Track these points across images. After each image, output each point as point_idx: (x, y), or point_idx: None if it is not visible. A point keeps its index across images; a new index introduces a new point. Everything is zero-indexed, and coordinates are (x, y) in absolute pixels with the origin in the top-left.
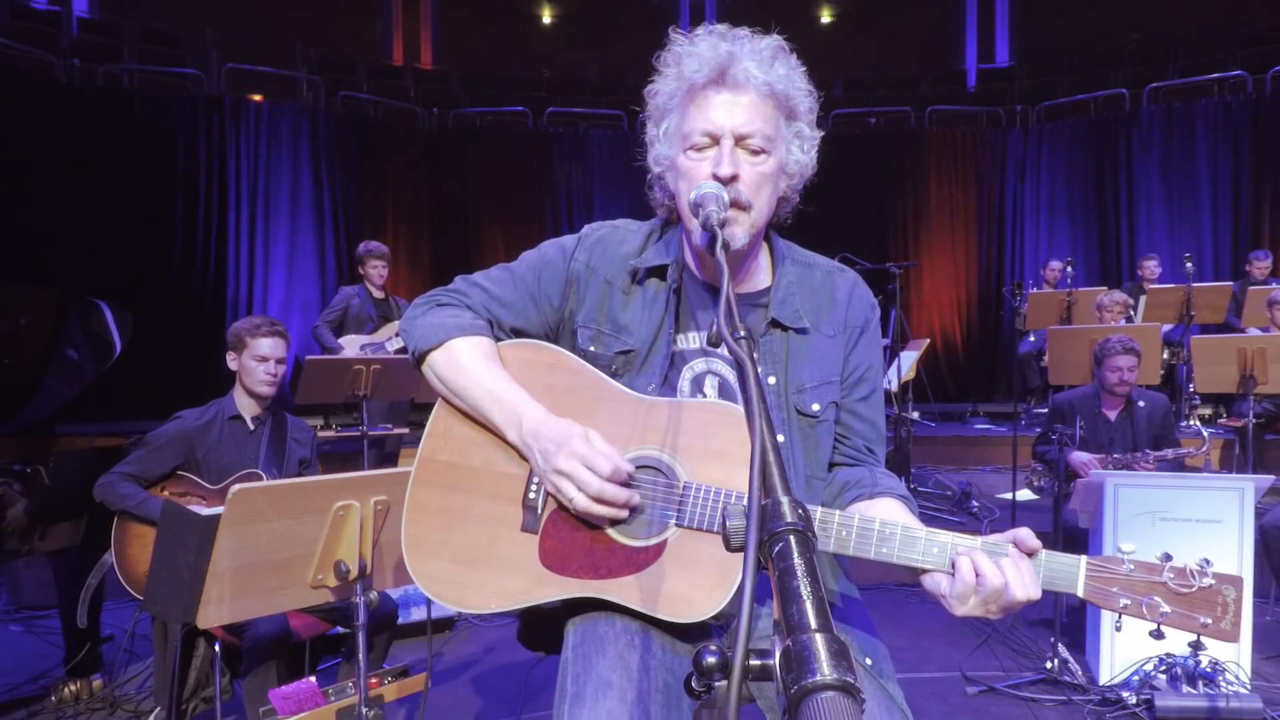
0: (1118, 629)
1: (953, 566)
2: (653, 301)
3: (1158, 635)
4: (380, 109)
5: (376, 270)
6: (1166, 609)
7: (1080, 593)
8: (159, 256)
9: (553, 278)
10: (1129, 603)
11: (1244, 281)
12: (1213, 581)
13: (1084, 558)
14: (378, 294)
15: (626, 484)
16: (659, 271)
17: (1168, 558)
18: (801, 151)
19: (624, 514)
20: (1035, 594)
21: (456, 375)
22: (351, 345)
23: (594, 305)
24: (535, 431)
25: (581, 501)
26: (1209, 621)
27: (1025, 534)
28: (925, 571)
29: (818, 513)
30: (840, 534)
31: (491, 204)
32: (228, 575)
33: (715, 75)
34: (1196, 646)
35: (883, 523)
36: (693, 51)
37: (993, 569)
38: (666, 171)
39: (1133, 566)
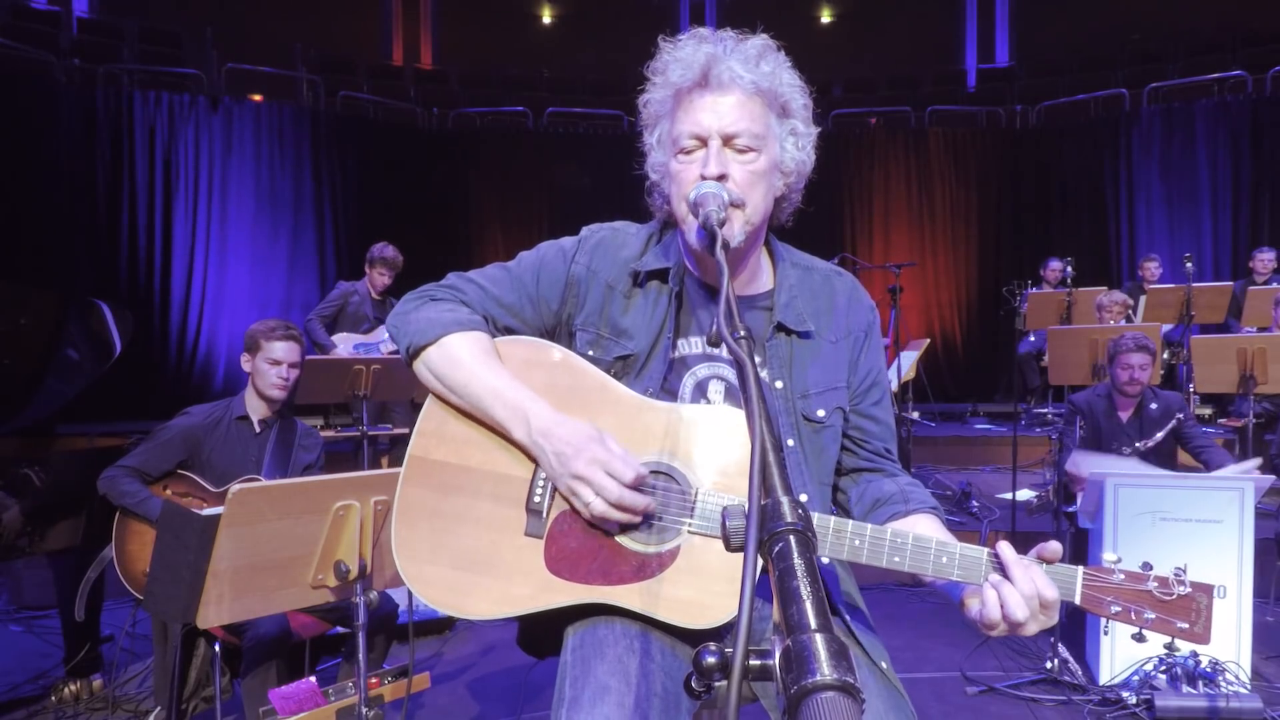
0: (1105, 633)
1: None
2: (654, 305)
3: (1139, 639)
4: (380, 109)
5: (382, 278)
6: (1151, 615)
7: (1077, 600)
8: (160, 256)
9: (552, 280)
10: (1120, 609)
11: (1246, 281)
12: (1189, 590)
13: (1081, 568)
14: (377, 296)
15: (643, 490)
16: (660, 275)
17: (1148, 566)
18: (797, 149)
19: (639, 519)
20: (1054, 591)
21: (455, 371)
22: (344, 344)
23: (594, 309)
24: (547, 431)
25: (599, 507)
26: (1186, 626)
27: (1051, 545)
28: (963, 605)
29: (831, 522)
30: (854, 544)
31: (491, 204)
32: (228, 575)
33: (699, 78)
34: (1169, 648)
35: (894, 532)
36: (677, 56)
37: (1019, 578)
38: (662, 178)
39: (1123, 576)
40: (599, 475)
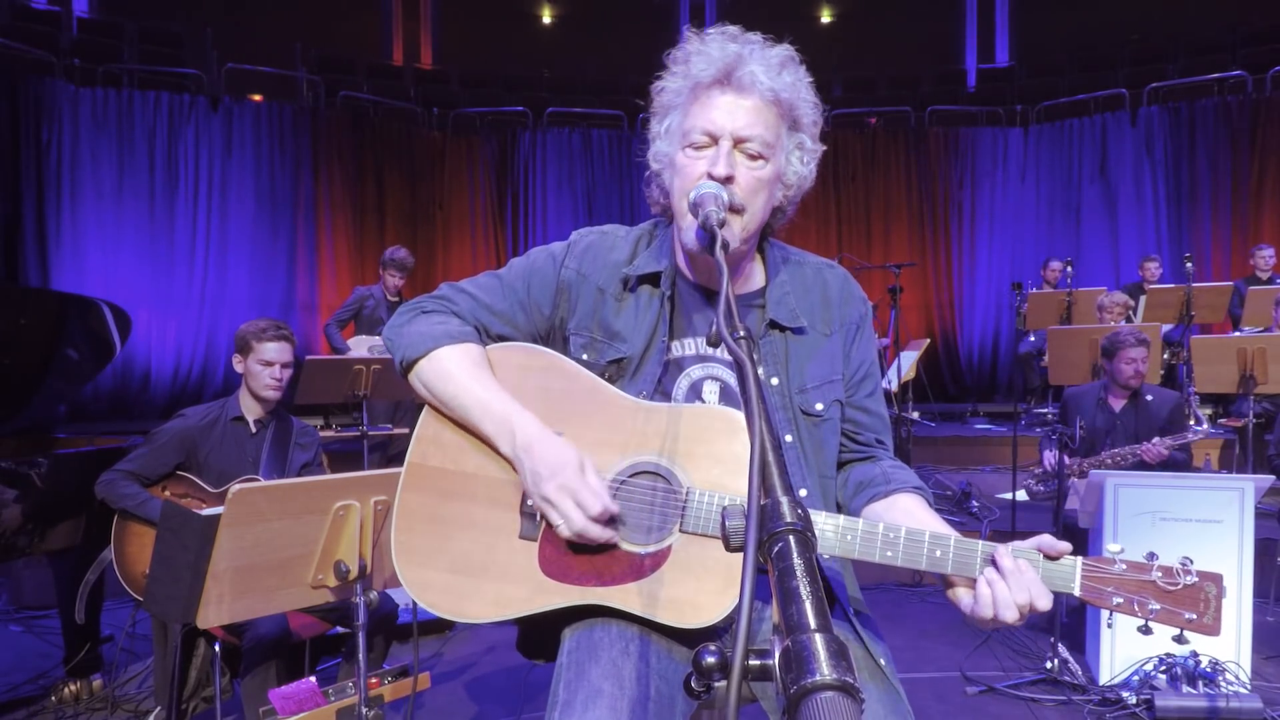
0: (1109, 625)
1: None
2: (646, 308)
3: (1145, 631)
4: (380, 109)
5: (395, 280)
6: (1156, 606)
7: (1077, 592)
8: (161, 256)
9: (543, 285)
10: (1121, 601)
11: (1248, 280)
12: (1196, 579)
13: (1080, 559)
14: (392, 298)
15: (610, 523)
16: (651, 279)
17: (1153, 556)
18: (801, 163)
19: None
20: (1047, 602)
21: (445, 384)
22: (359, 346)
23: (586, 313)
24: (528, 447)
25: (564, 532)
26: (1193, 617)
27: (1049, 540)
28: (949, 587)
29: (821, 517)
30: (845, 539)
31: (491, 204)
32: (228, 575)
33: (721, 76)
34: (1179, 640)
35: (887, 527)
36: (702, 50)
37: (1015, 588)
38: (664, 169)
39: (1124, 566)
40: (565, 503)
